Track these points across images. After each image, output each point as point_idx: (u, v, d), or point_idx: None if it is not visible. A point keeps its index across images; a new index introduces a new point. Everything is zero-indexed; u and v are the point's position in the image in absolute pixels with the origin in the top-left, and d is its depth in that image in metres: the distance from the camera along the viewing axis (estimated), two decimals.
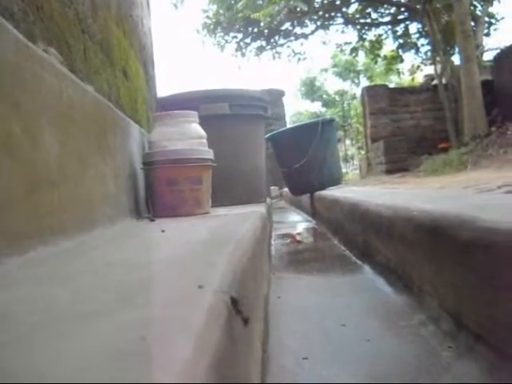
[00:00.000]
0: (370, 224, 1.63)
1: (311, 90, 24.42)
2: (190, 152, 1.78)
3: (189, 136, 1.88)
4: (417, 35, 11.57)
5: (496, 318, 0.73)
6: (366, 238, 1.71)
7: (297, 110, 25.54)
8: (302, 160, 3.49)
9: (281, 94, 10.35)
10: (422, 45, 11.61)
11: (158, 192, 1.80)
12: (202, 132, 1.95)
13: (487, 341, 0.75)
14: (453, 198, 1.45)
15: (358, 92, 12.64)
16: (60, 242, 0.90)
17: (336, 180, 3.74)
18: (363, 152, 12.26)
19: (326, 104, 23.82)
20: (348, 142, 17.40)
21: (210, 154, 1.86)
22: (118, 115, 1.58)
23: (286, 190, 5.03)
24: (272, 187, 7.80)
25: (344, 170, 14.28)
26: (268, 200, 3.23)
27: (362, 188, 3.82)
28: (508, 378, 0.67)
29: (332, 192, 3.09)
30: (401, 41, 11.71)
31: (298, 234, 2.71)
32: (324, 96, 24.27)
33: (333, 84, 24.52)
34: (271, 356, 0.87)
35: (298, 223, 3.68)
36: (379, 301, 1.22)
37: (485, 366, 0.72)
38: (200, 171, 1.80)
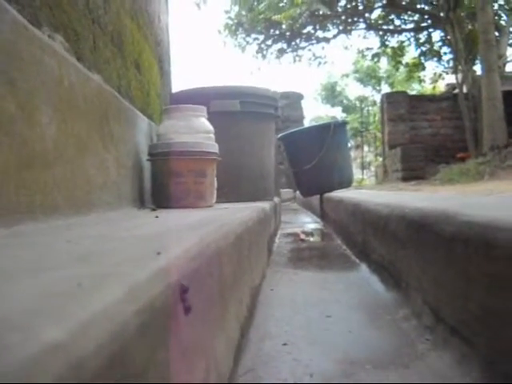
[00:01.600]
0: (369, 223, 1.63)
1: (332, 94, 24.41)
2: (195, 145, 1.81)
3: (196, 130, 1.90)
4: (439, 43, 11.52)
5: (468, 310, 0.73)
6: (364, 237, 1.71)
7: (317, 114, 25.52)
8: (312, 161, 3.49)
9: (299, 97, 10.33)
10: (445, 53, 11.56)
11: (162, 183, 1.82)
12: (210, 127, 1.97)
13: (461, 333, 0.76)
14: (450, 199, 1.45)
15: (379, 98, 12.59)
16: (51, 221, 0.92)
17: (346, 182, 3.73)
18: (381, 159, 12.22)
19: (346, 109, 23.78)
20: (366, 148, 17.32)
21: (214, 148, 1.88)
22: (123, 105, 1.61)
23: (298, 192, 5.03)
24: (286, 189, 7.80)
25: (360, 176, 14.25)
26: (276, 199, 3.24)
27: (369, 191, 3.81)
28: (476, 369, 0.68)
29: (339, 194, 3.09)
30: (423, 48, 11.66)
31: (303, 233, 2.72)
32: (344, 101, 24.25)
33: (354, 89, 24.43)
34: (251, 340, 0.89)
35: (305, 224, 3.69)
36: (369, 296, 1.23)
37: (456, 357, 0.73)
38: (204, 164, 1.82)
